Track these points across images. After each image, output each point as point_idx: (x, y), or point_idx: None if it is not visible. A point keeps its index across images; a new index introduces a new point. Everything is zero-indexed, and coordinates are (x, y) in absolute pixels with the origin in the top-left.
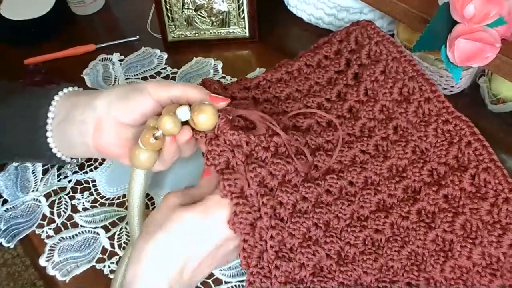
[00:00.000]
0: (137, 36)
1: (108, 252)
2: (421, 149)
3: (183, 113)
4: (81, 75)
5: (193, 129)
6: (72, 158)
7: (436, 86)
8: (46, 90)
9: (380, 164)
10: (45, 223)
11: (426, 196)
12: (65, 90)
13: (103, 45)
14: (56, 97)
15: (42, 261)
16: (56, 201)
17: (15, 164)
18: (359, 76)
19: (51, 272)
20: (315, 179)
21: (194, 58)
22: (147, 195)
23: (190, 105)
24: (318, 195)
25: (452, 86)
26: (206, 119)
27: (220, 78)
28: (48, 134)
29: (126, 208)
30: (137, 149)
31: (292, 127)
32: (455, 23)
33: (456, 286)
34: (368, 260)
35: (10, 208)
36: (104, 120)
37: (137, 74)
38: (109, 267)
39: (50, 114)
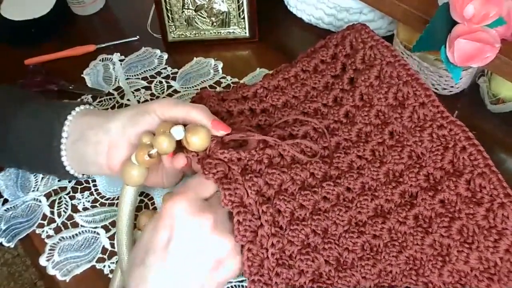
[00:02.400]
0: (137, 36)
1: (108, 252)
2: (417, 154)
3: (178, 132)
4: (82, 75)
5: (185, 148)
6: (83, 175)
7: (430, 90)
8: (59, 107)
9: (377, 169)
10: (45, 222)
11: (422, 201)
12: (77, 109)
13: (103, 45)
14: (69, 117)
15: (42, 261)
16: (57, 201)
17: None
18: (354, 81)
19: (51, 271)
20: (312, 187)
21: (195, 58)
22: (147, 195)
23: (185, 125)
24: (316, 202)
25: (452, 86)
26: (199, 141)
27: (220, 78)
28: (63, 153)
29: None
30: (129, 165)
31: (288, 136)
32: (454, 23)
33: None
34: (366, 265)
35: (11, 207)
36: (118, 142)
37: (137, 74)
38: (109, 267)
39: (64, 134)
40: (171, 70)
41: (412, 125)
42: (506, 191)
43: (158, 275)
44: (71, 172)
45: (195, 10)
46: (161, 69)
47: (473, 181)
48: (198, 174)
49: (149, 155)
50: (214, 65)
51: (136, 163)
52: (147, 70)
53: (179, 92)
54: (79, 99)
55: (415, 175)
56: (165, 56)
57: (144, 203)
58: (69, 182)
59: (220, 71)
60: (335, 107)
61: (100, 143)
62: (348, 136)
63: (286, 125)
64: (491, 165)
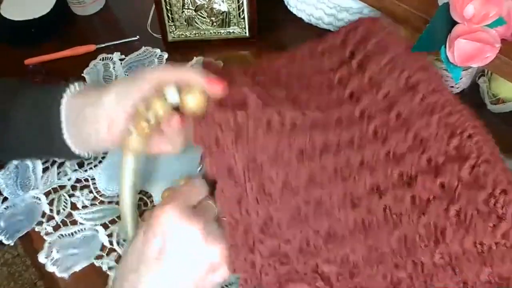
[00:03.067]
0: (137, 36)
1: (107, 250)
2: (421, 137)
3: (171, 94)
4: (82, 75)
5: (183, 115)
6: (89, 153)
7: (443, 79)
8: (53, 90)
9: (379, 148)
10: (44, 220)
11: (421, 183)
12: (70, 90)
13: (103, 45)
14: (63, 99)
15: (41, 258)
16: (56, 199)
17: (15, 162)
18: (363, 65)
19: (50, 268)
20: (310, 156)
21: (195, 57)
22: (146, 192)
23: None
24: (312, 172)
25: (452, 86)
26: (194, 100)
27: None
28: (65, 136)
29: None
30: (127, 133)
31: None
32: (455, 23)
33: (445, 272)
34: (356, 240)
35: (10, 206)
36: (114, 115)
37: None
38: (107, 264)
39: (62, 116)
40: None
41: (420, 109)
42: (510, 179)
43: (151, 283)
44: (77, 152)
45: (195, 10)
46: None
47: (478, 167)
48: (186, 182)
49: (148, 122)
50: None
51: (134, 131)
52: None
53: None
54: None
55: (418, 157)
56: (165, 55)
57: (144, 201)
58: (69, 180)
59: None
60: (340, 87)
61: (98, 120)
62: (351, 113)
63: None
64: (496, 154)
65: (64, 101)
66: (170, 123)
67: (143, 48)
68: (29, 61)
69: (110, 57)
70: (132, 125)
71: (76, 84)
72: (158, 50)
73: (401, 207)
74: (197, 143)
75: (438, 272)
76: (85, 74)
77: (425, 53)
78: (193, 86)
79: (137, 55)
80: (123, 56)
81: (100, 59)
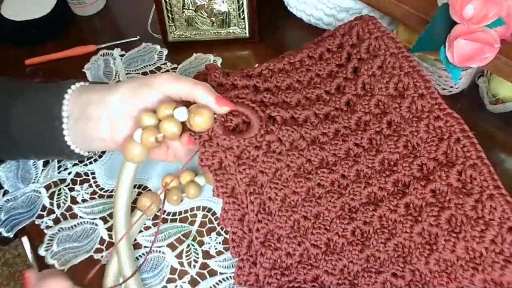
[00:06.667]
0: (138, 37)
1: (106, 243)
2: (412, 144)
3: (181, 114)
4: (83, 70)
5: (189, 129)
6: (89, 152)
7: (431, 82)
8: (55, 88)
9: (372, 157)
10: (44, 213)
11: (414, 190)
12: (73, 87)
13: (104, 45)
14: (66, 96)
15: (41, 251)
16: (56, 193)
17: None
18: (358, 70)
19: (50, 261)
20: (307, 173)
21: (194, 54)
22: (145, 187)
23: (187, 105)
24: (309, 188)
25: (451, 87)
26: (202, 122)
27: None
28: (65, 132)
29: None
30: (131, 143)
31: (289, 118)
32: (454, 23)
33: (440, 279)
34: (354, 250)
35: (11, 198)
36: (118, 116)
37: (137, 69)
38: (106, 257)
39: (64, 113)
40: (170, 66)
41: (410, 115)
42: (496, 183)
43: None
44: (77, 151)
45: (195, 11)
46: (160, 64)
47: (465, 172)
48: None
49: (156, 139)
50: (214, 61)
51: (139, 141)
52: (147, 65)
53: None
54: None
55: (409, 164)
56: (165, 51)
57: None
58: (69, 174)
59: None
60: (337, 95)
61: (101, 118)
62: (347, 124)
63: (288, 107)
64: (483, 157)
65: (67, 97)
66: (181, 141)
67: (143, 44)
68: (29, 61)
69: (110, 53)
70: (138, 136)
71: (76, 83)
72: (158, 46)
73: (396, 215)
74: (202, 166)
75: (435, 279)
76: (85, 69)
77: (412, 55)
78: (202, 108)
79: (138, 51)
80: (123, 52)
81: (101, 55)
